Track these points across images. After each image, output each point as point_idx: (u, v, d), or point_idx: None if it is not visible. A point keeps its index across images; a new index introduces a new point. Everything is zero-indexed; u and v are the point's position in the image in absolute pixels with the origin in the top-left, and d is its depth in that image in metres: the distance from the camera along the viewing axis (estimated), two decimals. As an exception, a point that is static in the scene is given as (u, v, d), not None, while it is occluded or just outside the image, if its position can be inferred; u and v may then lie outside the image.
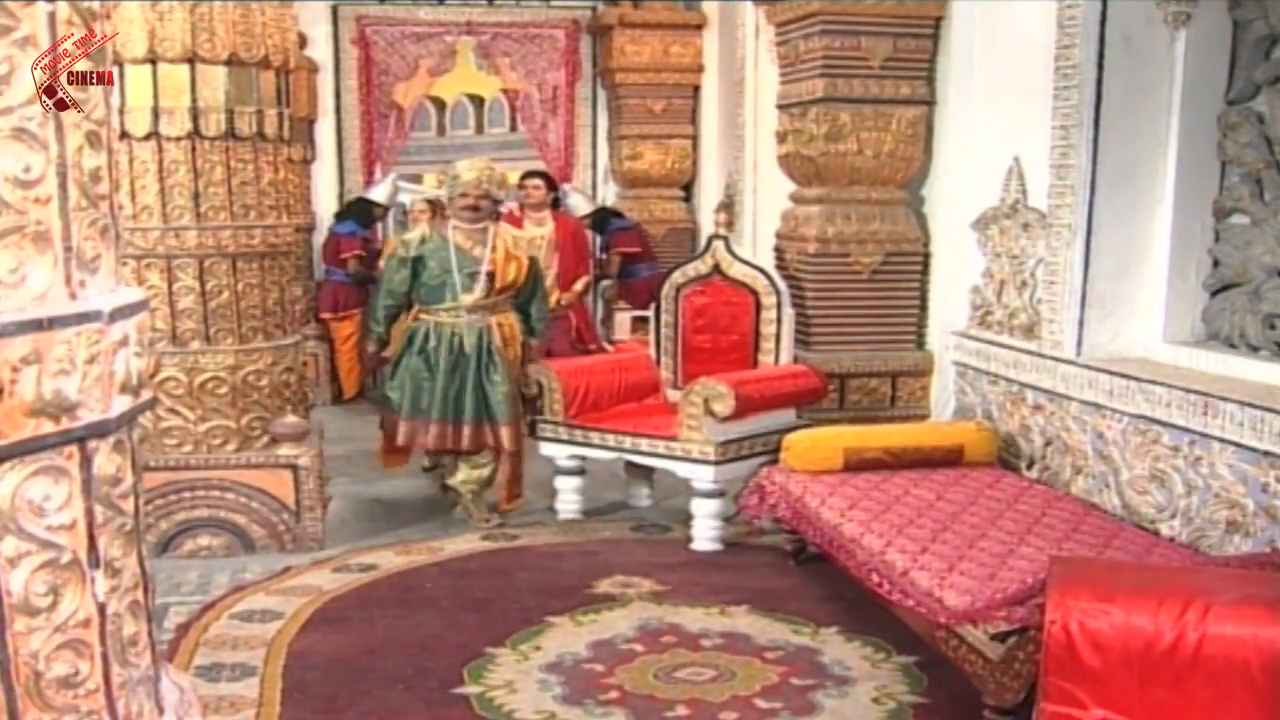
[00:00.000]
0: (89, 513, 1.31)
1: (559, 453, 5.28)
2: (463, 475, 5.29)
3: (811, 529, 4.22)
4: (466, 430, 5.12)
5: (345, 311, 7.83)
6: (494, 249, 5.19)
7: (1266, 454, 3.39)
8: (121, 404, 1.33)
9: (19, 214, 1.23)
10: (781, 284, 5.49)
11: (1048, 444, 4.52)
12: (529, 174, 7.26)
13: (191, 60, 4.57)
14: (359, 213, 8.02)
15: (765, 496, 4.65)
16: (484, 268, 5.16)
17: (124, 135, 4.54)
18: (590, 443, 5.19)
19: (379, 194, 8.14)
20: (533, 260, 5.37)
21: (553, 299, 6.42)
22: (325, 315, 7.95)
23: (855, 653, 3.79)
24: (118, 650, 1.37)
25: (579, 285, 7.09)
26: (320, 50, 8.65)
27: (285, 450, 4.86)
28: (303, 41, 7.43)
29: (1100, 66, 4.16)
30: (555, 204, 7.28)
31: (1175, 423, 3.77)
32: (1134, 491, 3.98)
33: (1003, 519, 3.89)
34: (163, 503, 4.70)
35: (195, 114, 4.61)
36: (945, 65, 5.51)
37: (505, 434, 5.15)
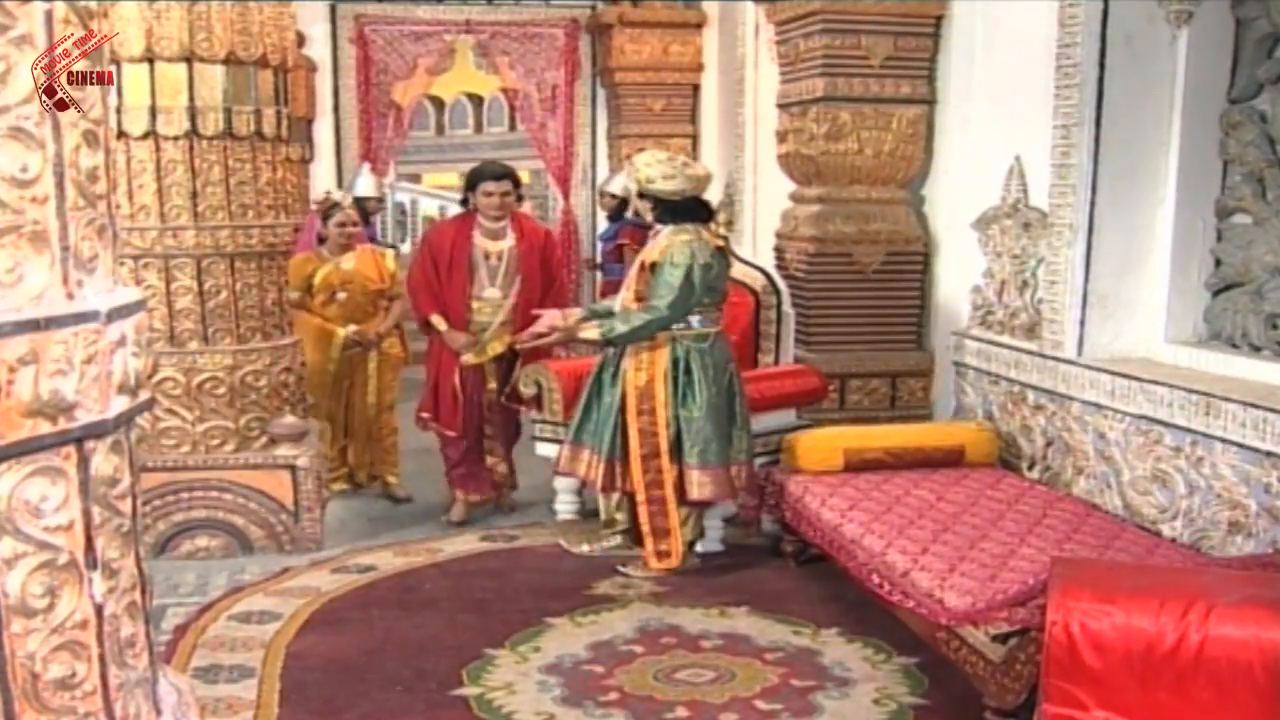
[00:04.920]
0: (86, 513, 1.30)
1: (557, 453, 5.25)
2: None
3: (812, 530, 4.21)
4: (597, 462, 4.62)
5: None
6: (651, 254, 4.54)
7: (1269, 454, 3.39)
8: (119, 404, 1.32)
9: (16, 213, 1.22)
10: (781, 284, 5.49)
11: (1049, 444, 4.51)
12: (496, 174, 5.20)
13: (189, 59, 4.55)
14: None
15: (765, 497, 4.64)
16: (631, 270, 4.67)
17: (121, 134, 4.53)
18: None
19: (362, 188, 8.08)
20: (663, 264, 4.44)
21: (501, 342, 5.21)
22: None
23: (856, 654, 3.78)
24: (115, 652, 1.36)
25: (545, 324, 4.81)
26: (318, 49, 8.63)
27: (283, 451, 4.85)
28: (301, 40, 7.42)
29: (1102, 65, 4.16)
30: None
31: (1177, 423, 3.77)
32: (1135, 492, 3.97)
33: (1004, 520, 3.88)
34: (160, 503, 4.68)
35: (193, 113, 4.60)
36: (946, 64, 5.51)
37: (601, 469, 4.59)
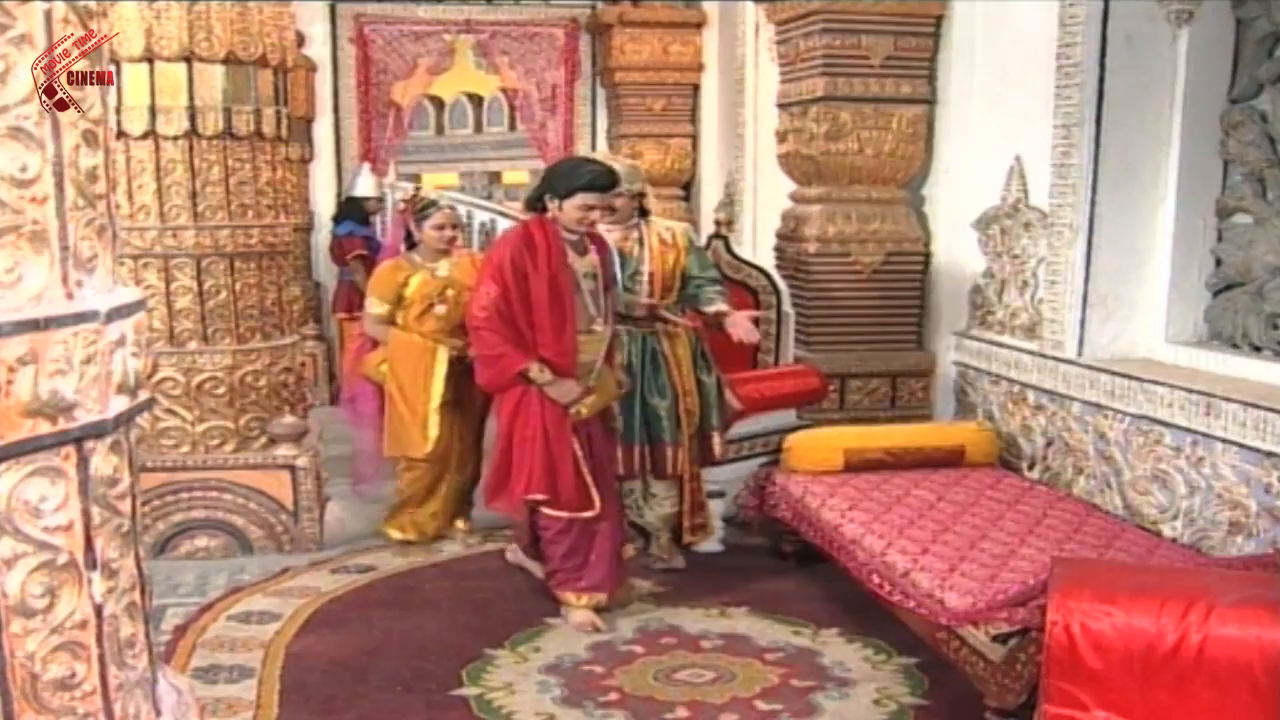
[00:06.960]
0: (86, 514, 1.30)
1: None
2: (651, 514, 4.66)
3: (812, 530, 4.21)
4: (621, 454, 4.39)
5: (359, 312, 7.74)
6: (652, 246, 4.52)
7: (1269, 455, 3.39)
8: (118, 404, 1.32)
9: (15, 213, 1.22)
10: (781, 284, 5.49)
11: (1049, 444, 4.51)
12: (603, 184, 3.97)
13: (189, 59, 4.56)
14: (353, 212, 8.00)
15: (765, 497, 4.64)
16: (645, 268, 4.48)
17: (121, 134, 4.53)
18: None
19: (362, 188, 8.08)
20: (692, 249, 4.64)
21: (611, 386, 4.18)
22: (341, 315, 7.90)
23: (856, 654, 3.78)
24: (115, 652, 1.36)
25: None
26: (318, 49, 8.63)
27: (283, 451, 4.85)
28: (300, 40, 7.42)
29: (1102, 65, 4.16)
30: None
31: (1177, 423, 3.76)
32: (1136, 492, 3.97)
33: (1004, 520, 3.88)
34: (160, 504, 4.68)
35: (192, 113, 4.60)
36: (946, 64, 5.51)
37: (670, 456, 4.48)
